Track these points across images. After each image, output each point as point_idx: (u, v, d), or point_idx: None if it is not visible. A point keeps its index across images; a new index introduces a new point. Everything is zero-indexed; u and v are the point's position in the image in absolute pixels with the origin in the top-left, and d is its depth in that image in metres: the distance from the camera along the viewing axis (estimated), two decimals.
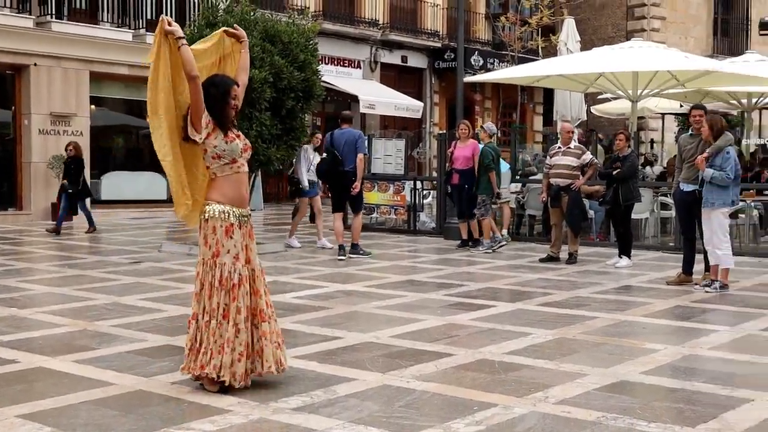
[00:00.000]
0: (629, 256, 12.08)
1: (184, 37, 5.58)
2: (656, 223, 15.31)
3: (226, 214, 5.59)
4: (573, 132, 13.05)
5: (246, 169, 5.79)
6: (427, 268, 11.86)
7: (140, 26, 20.84)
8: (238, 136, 5.73)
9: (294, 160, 14.09)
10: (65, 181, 16.66)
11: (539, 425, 5.00)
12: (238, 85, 5.74)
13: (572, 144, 12.62)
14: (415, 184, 16.71)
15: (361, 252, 12.86)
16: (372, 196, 16.77)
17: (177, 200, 5.79)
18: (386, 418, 5.10)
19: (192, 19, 17.58)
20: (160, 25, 5.62)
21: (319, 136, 14.30)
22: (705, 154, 9.69)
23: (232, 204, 5.64)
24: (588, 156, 12.64)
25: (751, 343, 7.23)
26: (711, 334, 7.55)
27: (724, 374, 6.17)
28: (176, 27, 5.59)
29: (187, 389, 5.69)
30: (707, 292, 9.73)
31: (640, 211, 14.72)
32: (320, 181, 13.73)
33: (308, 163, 13.78)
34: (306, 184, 13.94)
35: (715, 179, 9.65)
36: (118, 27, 20.53)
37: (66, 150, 17.06)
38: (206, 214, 5.62)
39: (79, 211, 16.95)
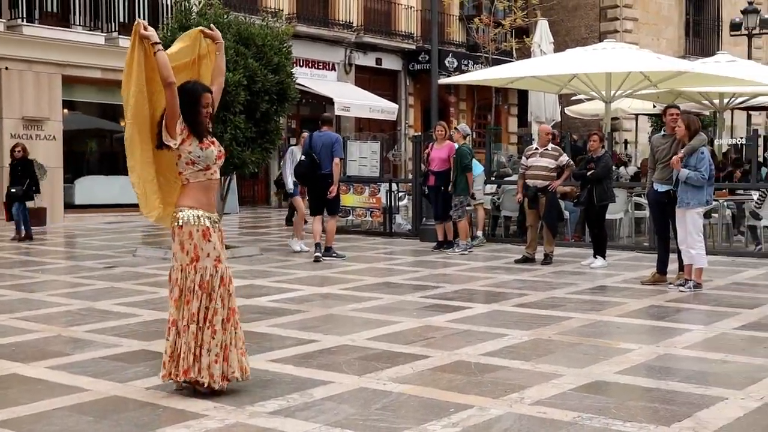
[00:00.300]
0: (604, 257, 12.15)
1: (159, 43, 5.54)
2: (631, 224, 15.41)
3: (201, 219, 5.57)
4: (551, 134, 13.12)
5: (218, 176, 5.78)
6: (403, 270, 11.87)
7: (113, 29, 20.73)
8: (213, 143, 5.70)
9: (282, 162, 14.09)
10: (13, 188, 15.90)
11: (515, 426, 5.01)
12: (210, 92, 5.70)
13: (549, 145, 12.68)
14: (390, 186, 16.72)
15: (335, 255, 12.86)
16: (348, 199, 16.76)
17: (145, 205, 5.75)
18: (363, 421, 5.10)
19: (165, 22, 17.50)
20: (135, 28, 5.58)
21: (306, 134, 14.23)
22: (680, 155, 9.74)
23: (205, 209, 5.62)
24: (565, 158, 12.70)
25: (725, 342, 7.28)
26: (685, 334, 7.61)
27: (698, 373, 6.21)
28: (152, 32, 5.55)
29: (162, 394, 5.65)
30: (681, 291, 9.80)
31: (614, 212, 14.80)
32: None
33: (294, 164, 13.73)
34: (291, 185, 13.91)
35: (690, 179, 9.71)
36: (90, 30, 20.41)
37: (13, 152, 16.38)
38: (180, 221, 5.58)
39: (14, 214, 15.89)
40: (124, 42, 20.27)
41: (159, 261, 12.71)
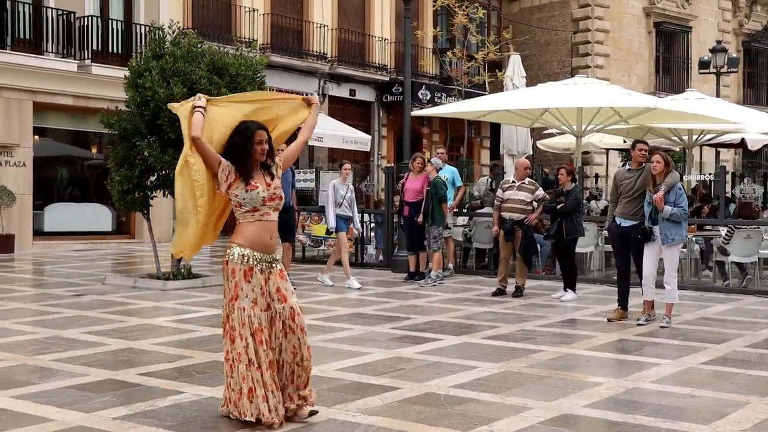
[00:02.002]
0: (574, 290, 12.20)
1: (202, 107, 5.54)
2: (601, 257, 15.49)
3: (246, 258, 5.56)
4: (529, 168, 13.20)
5: (273, 217, 5.72)
6: (374, 301, 11.85)
7: (86, 57, 20.66)
8: (269, 185, 5.66)
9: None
10: None
11: None
12: (265, 129, 5.67)
13: (527, 179, 12.77)
14: (363, 217, 16.72)
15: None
16: (320, 229, 16.74)
17: (188, 245, 5.73)
18: None
19: (138, 51, 17.50)
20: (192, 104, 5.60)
21: (348, 167, 14.21)
22: (661, 192, 9.76)
23: (253, 248, 5.59)
24: (541, 192, 12.79)
25: (693, 377, 7.33)
26: (653, 368, 7.64)
27: (666, 407, 6.24)
28: (201, 101, 5.59)
29: (129, 424, 5.60)
30: (662, 327, 9.80)
31: (584, 245, 14.89)
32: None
33: (337, 198, 13.67)
34: (333, 223, 13.72)
35: (674, 216, 9.77)
36: (62, 57, 20.33)
37: None
38: (227, 257, 5.61)
39: None
40: (97, 70, 20.29)
41: (128, 289, 12.62)
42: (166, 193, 13.02)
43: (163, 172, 12.63)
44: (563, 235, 12.04)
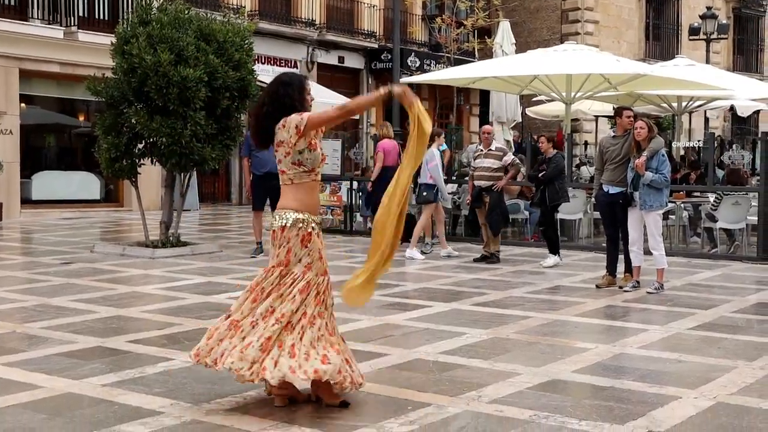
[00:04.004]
0: (557, 254, 12.24)
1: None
2: (589, 224, 15.53)
3: (305, 222, 5.31)
4: (491, 133, 13.13)
5: (319, 178, 5.51)
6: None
7: (72, 23, 20.44)
8: (318, 144, 5.43)
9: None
10: None
11: (472, 424, 5.04)
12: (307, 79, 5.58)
13: (493, 146, 12.75)
14: (351, 185, 16.70)
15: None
16: None
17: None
18: (320, 418, 5.09)
19: (125, 17, 17.34)
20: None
21: (443, 135, 14.15)
22: (643, 158, 9.79)
23: (310, 212, 5.36)
24: (509, 157, 12.78)
25: (680, 342, 7.37)
26: (641, 333, 7.68)
27: (653, 372, 6.28)
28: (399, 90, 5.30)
29: (118, 391, 5.60)
30: (649, 293, 9.85)
31: (573, 212, 14.93)
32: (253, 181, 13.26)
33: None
34: (445, 191, 13.61)
35: (654, 182, 9.79)
36: (48, 24, 20.13)
37: None
38: (281, 221, 5.31)
39: None
40: (84, 36, 20.10)
41: (117, 257, 12.60)
42: (154, 160, 12.96)
43: (151, 140, 12.56)
44: (546, 202, 12.11)
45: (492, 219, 12.62)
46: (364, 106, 5.77)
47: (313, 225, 5.36)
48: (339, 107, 5.39)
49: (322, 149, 5.46)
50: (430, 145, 13.80)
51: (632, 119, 10.33)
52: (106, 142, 12.62)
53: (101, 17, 21.16)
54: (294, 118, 5.26)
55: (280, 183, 5.45)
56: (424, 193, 13.12)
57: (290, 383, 5.22)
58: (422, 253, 13.37)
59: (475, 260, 12.61)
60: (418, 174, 13.87)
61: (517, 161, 12.96)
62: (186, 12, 12.89)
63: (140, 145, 12.85)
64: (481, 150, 12.86)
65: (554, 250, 12.30)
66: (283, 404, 5.30)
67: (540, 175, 12.18)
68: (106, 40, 14.06)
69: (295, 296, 5.26)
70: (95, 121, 13.33)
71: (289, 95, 5.34)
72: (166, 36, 12.21)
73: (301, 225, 5.29)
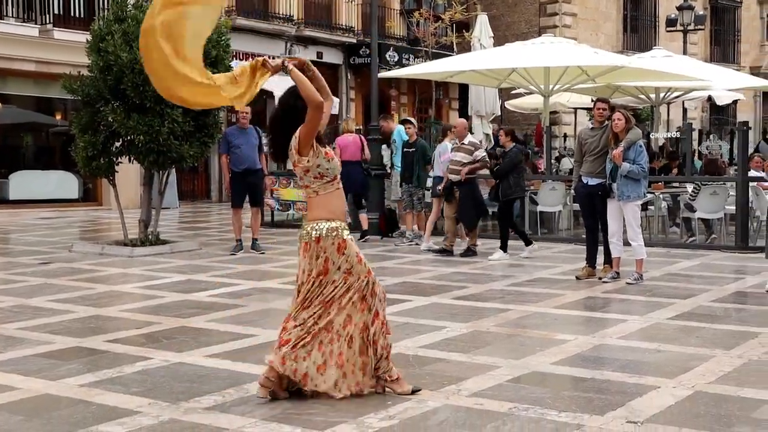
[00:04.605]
0: (505, 250, 12.21)
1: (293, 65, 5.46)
2: (569, 216, 15.57)
3: (337, 230, 5.36)
4: (457, 127, 13.07)
5: (341, 185, 5.57)
6: None
7: (47, 21, 20.30)
8: (332, 153, 5.50)
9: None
10: None
11: (452, 418, 5.03)
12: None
13: (466, 140, 12.70)
14: None
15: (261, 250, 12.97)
16: (289, 193, 16.69)
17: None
18: (299, 415, 5.07)
19: (100, 15, 17.22)
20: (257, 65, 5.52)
21: (454, 129, 14.14)
22: (620, 149, 9.82)
23: (340, 218, 5.43)
24: (480, 153, 12.60)
25: (659, 332, 7.39)
26: (620, 324, 7.71)
27: (633, 363, 6.30)
28: (276, 61, 5.54)
29: (95, 391, 5.56)
30: (628, 283, 9.88)
31: (553, 204, 14.97)
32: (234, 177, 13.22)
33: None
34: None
35: (632, 173, 9.81)
36: (23, 22, 19.97)
37: None
38: (315, 232, 5.34)
39: None
40: (59, 34, 19.95)
41: (95, 256, 12.52)
42: (131, 158, 12.88)
43: (128, 138, 12.47)
44: (500, 196, 12.12)
45: (462, 213, 12.61)
46: (306, 87, 5.38)
47: (346, 231, 5.43)
48: (310, 105, 5.32)
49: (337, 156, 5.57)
50: (441, 140, 13.90)
51: (603, 111, 10.35)
52: (83, 141, 12.53)
53: (77, 15, 21.02)
54: (293, 141, 5.36)
55: (305, 197, 5.54)
56: (438, 188, 13.15)
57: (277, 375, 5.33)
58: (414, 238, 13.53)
59: (434, 252, 12.69)
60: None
61: (485, 157, 12.83)
62: None
63: (117, 144, 12.76)
64: (456, 144, 12.87)
65: (527, 243, 12.32)
66: (264, 396, 5.34)
67: (495, 169, 12.18)
68: (82, 37, 13.97)
69: (344, 305, 5.38)
70: (72, 120, 13.23)
71: (303, 107, 5.35)
72: None
73: (335, 233, 5.35)
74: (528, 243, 12.35)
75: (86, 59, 12.82)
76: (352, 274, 5.39)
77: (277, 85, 26.04)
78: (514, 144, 12.37)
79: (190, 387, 5.67)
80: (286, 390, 5.39)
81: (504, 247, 12.24)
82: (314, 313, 5.35)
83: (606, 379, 5.82)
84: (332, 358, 5.33)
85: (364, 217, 14.28)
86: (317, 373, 5.31)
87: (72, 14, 20.99)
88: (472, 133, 15.15)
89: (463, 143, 12.65)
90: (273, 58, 5.76)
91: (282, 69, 5.50)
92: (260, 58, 5.61)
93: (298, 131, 5.36)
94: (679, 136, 19.01)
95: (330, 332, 5.34)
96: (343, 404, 5.28)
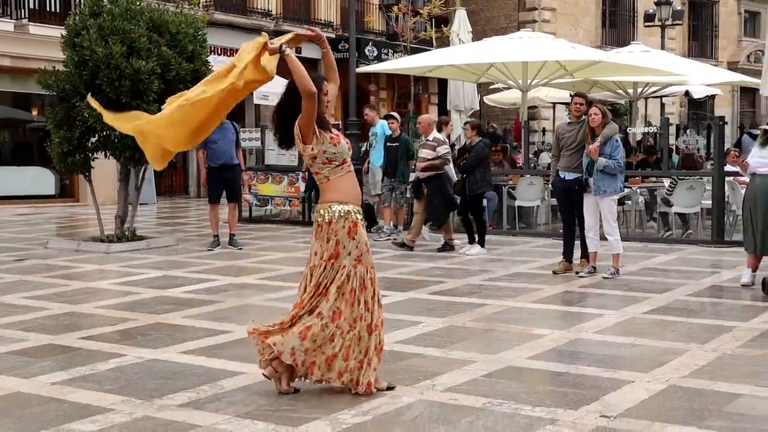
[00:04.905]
0: (482, 245, 12.21)
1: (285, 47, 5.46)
2: (547, 211, 15.59)
3: (349, 213, 5.35)
4: (421, 123, 12.97)
5: (352, 168, 5.55)
6: None
7: (22, 16, 20.13)
8: (338, 136, 5.48)
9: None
10: None
11: (426, 413, 5.03)
12: (330, 81, 5.59)
13: (431, 136, 12.62)
14: (308, 175, 16.61)
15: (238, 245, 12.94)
16: (266, 188, 16.65)
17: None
18: (273, 411, 5.05)
19: (75, 10, 17.08)
20: (256, 46, 5.51)
21: (452, 123, 14.07)
22: (596, 144, 9.85)
23: (353, 202, 5.41)
24: (443, 149, 12.42)
25: (635, 326, 7.42)
26: (596, 318, 7.73)
27: (608, 357, 6.31)
28: (275, 44, 5.50)
29: (68, 389, 5.52)
30: (605, 278, 9.90)
31: (531, 199, 14.99)
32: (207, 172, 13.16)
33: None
34: (453, 178, 13.25)
35: (608, 168, 9.84)
36: None
37: None
38: (327, 215, 5.34)
39: None
40: (35, 29, 19.78)
41: (71, 253, 12.43)
42: (108, 154, 12.79)
43: (104, 133, 12.39)
44: (466, 191, 12.10)
45: (430, 209, 12.59)
46: (301, 76, 5.33)
47: (359, 215, 5.41)
48: (303, 94, 5.29)
49: (345, 139, 5.54)
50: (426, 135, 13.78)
51: (580, 105, 10.37)
52: (58, 136, 12.43)
53: (52, 9, 20.86)
54: (296, 130, 5.36)
55: (318, 183, 5.50)
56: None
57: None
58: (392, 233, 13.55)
59: (396, 244, 12.74)
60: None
61: (449, 154, 12.71)
62: (137, 3, 12.70)
63: (93, 139, 12.67)
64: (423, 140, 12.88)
65: (472, 240, 12.27)
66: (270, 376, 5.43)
67: (461, 163, 12.19)
68: (58, 32, 13.84)
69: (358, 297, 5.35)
70: (48, 115, 13.13)
71: None
72: (117, 28, 12.04)
73: (347, 216, 5.34)
74: (473, 242, 12.29)
75: (62, 54, 12.72)
76: (362, 262, 5.36)
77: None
78: (480, 138, 12.35)
79: (163, 384, 5.63)
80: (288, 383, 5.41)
81: (474, 241, 12.24)
82: (330, 305, 5.29)
83: (581, 374, 5.83)
84: (341, 350, 5.28)
85: None
86: (325, 364, 5.29)
87: (48, 9, 20.84)
88: (439, 129, 15.18)
89: (428, 140, 12.61)
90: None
91: (279, 52, 5.47)
92: (261, 39, 5.60)
93: (298, 120, 5.35)
94: (656, 130, 19.09)
95: (341, 326, 5.29)
96: (316, 400, 5.28)
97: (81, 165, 12.79)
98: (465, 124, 12.46)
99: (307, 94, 5.24)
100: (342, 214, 5.34)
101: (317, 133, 5.35)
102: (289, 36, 5.75)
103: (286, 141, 5.53)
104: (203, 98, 5.51)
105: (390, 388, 5.43)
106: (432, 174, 12.38)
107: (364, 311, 5.33)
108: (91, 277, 10.39)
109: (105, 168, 17.07)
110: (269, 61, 5.53)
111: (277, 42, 5.57)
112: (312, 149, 5.35)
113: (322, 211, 5.39)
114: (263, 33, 5.74)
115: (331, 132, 5.45)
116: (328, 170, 5.41)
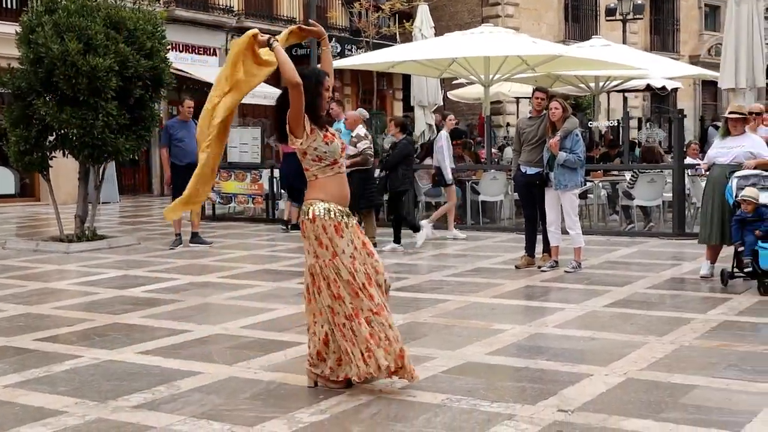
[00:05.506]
0: (399, 242, 12.16)
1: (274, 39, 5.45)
2: (511, 205, 15.62)
3: (332, 213, 5.28)
4: (355, 120, 12.77)
5: (344, 169, 5.50)
6: (283, 257, 11.75)
7: None
8: (333, 135, 5.40)
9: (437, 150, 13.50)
10: None
11: (384, 411, 4.99)
12: (329, 76, 5.49)
13: (355, 131, 12.49)
14: (272, 173, 16.52)
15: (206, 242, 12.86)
16: (229, 186, 16.55)
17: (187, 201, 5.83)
18: (230, 411, 5.00)
19: (31, 5, 16.85)
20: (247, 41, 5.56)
21: (452, 118, 13.96)
22: (557, 138, 9.87)
23: (337, 202, 5.34)
24: (363, 144, 12.02)
25: (595, 319, 7.44)
26: (557, 312, 7.73)
27: (567, 351, 6.31)
28: (263, 37, 5.52)
29: (20, 392, 5.43)
30: (567, 272, 9.93)
31: (494, 194, 15.01)
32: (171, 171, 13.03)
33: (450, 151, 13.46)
34: (450, 176, 13.43)
35: (568, 162, 9.87)
36: None
37: None
38: (309, 214, 5.29)
39: None
40: None
41: (30, 253, 12.27)
42: (66, 153, 12.63)
43: (62, 132, 12.23)
44: (387, 188, 12.06)
45: (354, 205, 12.43)
46: (287, 68, 5.24)
47: (342, 216, 5.34)
48: (288, 85, 5.24)
49: (339, 140, 5.48)
50: (439, 129, 13.83)
51: (541, 100, 10.39)
52: (15, 135, 12.26)
53: (8, 6, 20.57)
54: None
55: (307, 179, 5.43)
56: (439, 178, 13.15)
57: None
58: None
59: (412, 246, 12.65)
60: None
61: (367, 150, 12.55)
62: None
63: (51, 138, 12.51)
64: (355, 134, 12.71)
65: (397, 239, 12.19)
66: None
67: (383, 160, 12.20)
68: (13, 29, 13.63)
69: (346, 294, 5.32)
70: (3, 114, 12.95)
71: (306, 87, 5.23)
72: (73, 24, 11.88)
73: (328, 214, 5.28)
74: (416, 229, 12.32)
75: (17, 51, 12.53)
76: (356, 259, 5.30)
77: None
78: (404, 136, 12.33)
79: (119, 385, 5.56)
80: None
81: (398, 240, 12.18)
82: (347, 311, 5.29)
83: (540, 368, 5.83)
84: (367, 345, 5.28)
85: (295, 211, 13.99)
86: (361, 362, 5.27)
87: (3, 5, 20.53)
88: (439, 125, 15.19)
89: (352, 135, 12.49)
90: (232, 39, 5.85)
91: (267, 45, 5.47)
92: (252, 31, 5.66)
93: (287, 113, 5.30)
94: (618, 124, 19.22)
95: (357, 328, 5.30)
96: (274, 399, 5.23)
97: (39, 164, 12.63)
98: (389, 120, 12.46)
99: (292, 85, 5.18)
100: (322, 213, 5.28)
101: (308, 128, 5.29)
102: (292, 28, 5.82)
103: (282, 135, 5.46)
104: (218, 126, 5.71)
105: (348, 386, 5.40)
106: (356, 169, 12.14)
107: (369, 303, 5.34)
108: (49, 278, 10.25)
109: (66, 167, 16.85)
110: (270, 55, 5.60)
111: (284, 32, 5.70)
112: (301, 143, 5.30)
113: (305, 208, 5.37)
114: (254, 29, 5.79)
115: (327, 130, 5.40)
116: (317, 168, 5.36)
